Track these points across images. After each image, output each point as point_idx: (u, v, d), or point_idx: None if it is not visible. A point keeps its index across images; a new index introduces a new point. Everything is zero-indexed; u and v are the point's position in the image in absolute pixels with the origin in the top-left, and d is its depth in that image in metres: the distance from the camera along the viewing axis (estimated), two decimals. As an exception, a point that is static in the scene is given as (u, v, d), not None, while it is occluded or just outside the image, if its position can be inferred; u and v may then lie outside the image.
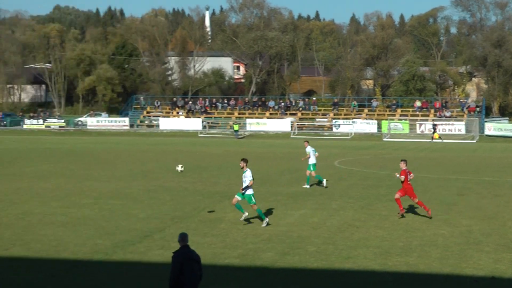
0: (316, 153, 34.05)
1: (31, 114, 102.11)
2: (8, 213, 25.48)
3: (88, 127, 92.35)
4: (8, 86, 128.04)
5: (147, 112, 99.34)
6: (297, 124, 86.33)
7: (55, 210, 26.20)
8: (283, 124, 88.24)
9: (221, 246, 20.37)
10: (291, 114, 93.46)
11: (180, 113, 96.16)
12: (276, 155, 53.18)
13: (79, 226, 23.19)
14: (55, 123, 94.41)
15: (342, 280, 17.31)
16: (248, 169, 23.47)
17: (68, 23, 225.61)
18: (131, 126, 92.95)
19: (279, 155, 53.15)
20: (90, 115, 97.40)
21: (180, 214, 25.56)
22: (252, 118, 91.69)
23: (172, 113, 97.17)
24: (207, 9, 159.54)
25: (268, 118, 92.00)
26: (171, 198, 29.44)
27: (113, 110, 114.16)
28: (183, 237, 12.79)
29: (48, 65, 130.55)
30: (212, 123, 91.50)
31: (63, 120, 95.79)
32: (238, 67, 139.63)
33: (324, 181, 33.54)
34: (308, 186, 33.39)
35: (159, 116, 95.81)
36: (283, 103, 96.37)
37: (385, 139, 76.22)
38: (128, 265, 18.36)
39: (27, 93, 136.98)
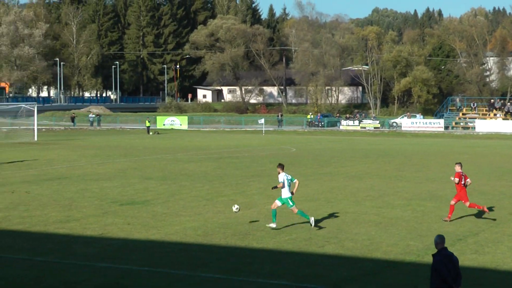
0: None
1: (347, 115, 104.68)
2: (323, 211, 26.30)
3: (403, 129, 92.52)
4: (327, 88, 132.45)
5: (463, 114, 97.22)
6: None
7: (368, 209, 26.58)
8: None
9: (539, 255, 19.33)
10: None
11: (498, 115, 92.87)
12: None
13: (391, 226, 23.31)
14: (370, 124, 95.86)
15: None
16: (283, 173, 22.39)
17: (386, 25, 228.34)
18: (446, 128, 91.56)
19: None
20: (407, 116, 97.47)
21: (496, 219, 24.70)
22: None
23: (489, 115, 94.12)
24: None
25: None
26: (486, 202, 28.51)
27: (428, 112, 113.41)
28: (442, 239, 12.65)
29: (365, 67, 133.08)
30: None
31: (378, 122, 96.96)
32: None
33: None
34: None
35: (475, 118, 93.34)
36: None
37: None
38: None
39: (344, 94, 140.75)
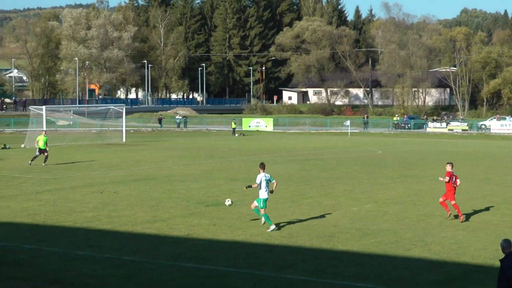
0: None
1: (435, 118, 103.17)
2: (409, 214, 26.02)
3: (492, 131, 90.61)
4: (413, 89, 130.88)
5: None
6: None
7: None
8: None
9: None
10: None
11: None
12: None
13: (480, 230, 22.87)
14: (457, 126, 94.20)
15: None
16: (262, 173, 22.92)
17: (474, 26, 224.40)
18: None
19: None
20: (497, 119, 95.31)
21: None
22: None
23: None
24: None
25: None
26: None
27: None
28: (509, 243, 12.42)
29: (453, 69, 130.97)
30: None
31: (466, 124, 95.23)
32: None
33: None
34: None
35: None
36: None
37: None
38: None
39: (431, 96, 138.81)
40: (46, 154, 44.45)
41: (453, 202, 24.72)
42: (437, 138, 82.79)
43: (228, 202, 24.63)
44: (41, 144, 44.38)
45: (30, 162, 44.22)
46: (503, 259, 12.39)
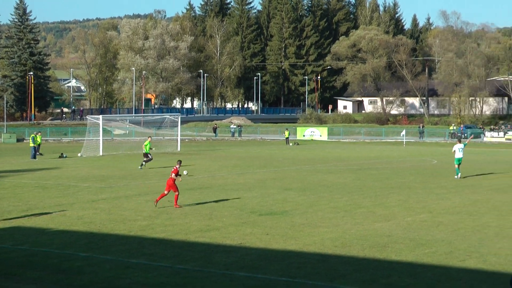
0: None
1: (492, 127, 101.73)
2: (465, 224, 25.66)
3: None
4: (470, 98, 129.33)
5: None
6: None
7: (513, 224, 25.71)
8: None
9: None
10: None
11: None
12: None
13: (537, 242, 22.44)
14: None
15: None
16: None
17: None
18: None
19: None
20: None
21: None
22: None
23: None
24: None
25: None
26: None
27: None
28: None
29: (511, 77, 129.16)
30: None
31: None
32: None
33: None
34: None
35: None
36: None
37: None
38: None
39: (488, 105, 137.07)
40: (145, 158, 49.29)
41: (166, 192, 29.45)
42: (494, 148, 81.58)
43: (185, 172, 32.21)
44: (147, 149, 48.97)
45: (140, 167, 48.76)
46: None
